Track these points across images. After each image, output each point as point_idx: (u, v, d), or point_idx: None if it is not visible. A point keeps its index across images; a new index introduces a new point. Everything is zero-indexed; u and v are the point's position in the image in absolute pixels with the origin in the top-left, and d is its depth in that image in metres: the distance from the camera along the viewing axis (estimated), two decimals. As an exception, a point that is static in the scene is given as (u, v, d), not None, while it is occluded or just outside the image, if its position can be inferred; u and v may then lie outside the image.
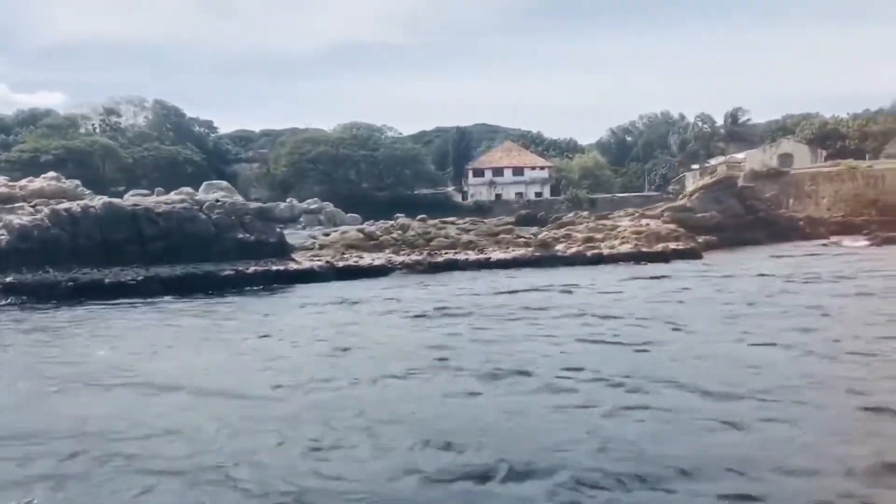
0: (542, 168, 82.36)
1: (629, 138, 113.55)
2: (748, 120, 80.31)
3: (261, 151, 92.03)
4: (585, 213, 41.22)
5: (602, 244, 27.62)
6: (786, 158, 79.36)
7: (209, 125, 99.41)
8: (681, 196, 43.66)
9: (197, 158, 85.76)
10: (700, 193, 34.40)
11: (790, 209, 61.02)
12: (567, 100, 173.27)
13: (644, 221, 30.12)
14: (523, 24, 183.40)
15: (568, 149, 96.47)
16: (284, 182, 79.25)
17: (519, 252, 26.62)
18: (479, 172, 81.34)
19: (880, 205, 56.85)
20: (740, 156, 79.89)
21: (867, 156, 70.57)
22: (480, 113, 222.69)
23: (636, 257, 25.93)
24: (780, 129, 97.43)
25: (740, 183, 66.71)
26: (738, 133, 76.99)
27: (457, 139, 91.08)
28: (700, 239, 28.69)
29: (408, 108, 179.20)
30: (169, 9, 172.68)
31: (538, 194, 79.19)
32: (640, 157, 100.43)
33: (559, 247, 27.60)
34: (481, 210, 68.86)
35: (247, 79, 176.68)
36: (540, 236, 29.94)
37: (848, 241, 33.65)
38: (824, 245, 33.51)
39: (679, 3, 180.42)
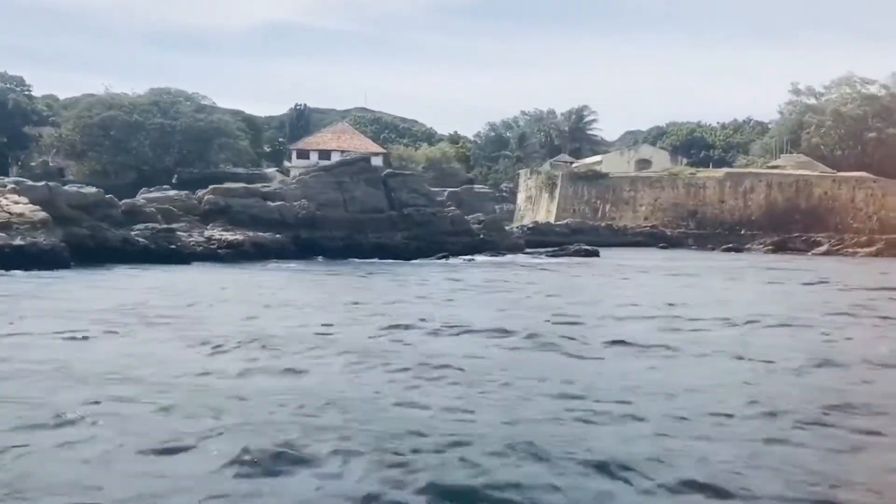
0: (375, 154, 73.61)
1: (508, 133, 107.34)
2: (594, 120, 73.55)
3: (65, 114, 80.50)
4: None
5: None
6: (643, 164, 73.80)
7: (20, 81, 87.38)
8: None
9: (-16, 116, 74.40)
10: (312, 176, 25.10)
11: (607, 216, 53.86)
12: (478, 95, 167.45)
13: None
14: (449, 21, 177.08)
15: (423, 138, 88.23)
16: (74, 148, 68.75)
17: None
18: (303, 154, 72.08)
19: (699, 217, 50.20)
20: (597, 158, 74.30)
21: (710, 164, 64.54)
22: (359, 98, 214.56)
23: None
24: (660, 135, 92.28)
25: (560, 183, 59.37)
26: (580, 132, 70.06)
27: (294, 118, 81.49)
28: (237, 235, 19.69)
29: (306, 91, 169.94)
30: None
31: (368, 183, 70.63)
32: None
33: None
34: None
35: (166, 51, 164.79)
36: None
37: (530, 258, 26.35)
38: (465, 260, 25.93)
39: (599, 14, 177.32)
